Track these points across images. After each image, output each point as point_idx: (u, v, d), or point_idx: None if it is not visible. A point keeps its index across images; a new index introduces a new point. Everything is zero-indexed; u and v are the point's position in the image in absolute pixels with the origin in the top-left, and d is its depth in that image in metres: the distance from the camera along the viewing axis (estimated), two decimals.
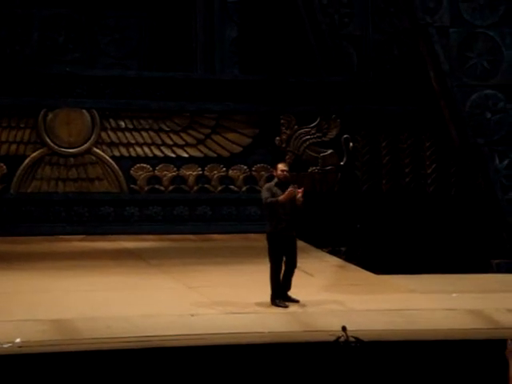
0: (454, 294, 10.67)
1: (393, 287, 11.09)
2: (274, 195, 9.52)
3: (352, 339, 8.11)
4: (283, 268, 9.57)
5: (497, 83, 13.63)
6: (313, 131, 14.92)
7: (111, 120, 14.65)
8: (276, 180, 9.67)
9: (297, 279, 9.64)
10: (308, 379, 8.21)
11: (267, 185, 9.82)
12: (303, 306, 9.60)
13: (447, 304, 10.11)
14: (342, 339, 8.11)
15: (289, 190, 9.45)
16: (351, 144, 14.92)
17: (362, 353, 8.10)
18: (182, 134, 14.86)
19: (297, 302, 9.52)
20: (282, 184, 9.59)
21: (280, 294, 9.56)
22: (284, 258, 9.58)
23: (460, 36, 13.61)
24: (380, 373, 8.25)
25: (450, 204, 14.88)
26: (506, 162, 13.54)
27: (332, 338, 8.17)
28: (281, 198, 9.48)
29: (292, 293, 9.66)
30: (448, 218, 14.69)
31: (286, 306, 9.50)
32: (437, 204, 14.91)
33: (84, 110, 14.54)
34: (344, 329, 8.20)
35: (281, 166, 9.71)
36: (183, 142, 14.87)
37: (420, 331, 8.92)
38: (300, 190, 9.47)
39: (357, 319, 9.10)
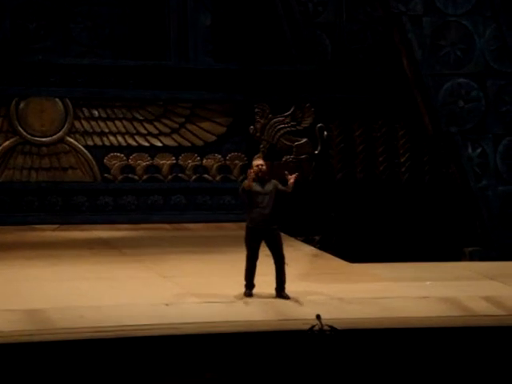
0: (428, 282, 10.72)
1: (367, 275, 11.13)
2: (251, 191, 9.50)
3: (326, 328, 8.12)
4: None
5: (470, 72, 13.67)
6: (287, 120, 14.91)
7: (84, 109, 14.57)
8: (254, 176, 9.64)
9: (271, 267, 9.64)
10: (283, 368, 8.23)
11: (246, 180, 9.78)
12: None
13: (421, 292, 10.15)
14: (317, 328, 8.12)
15: (248, 172, 9.48)
16: (325, 133, 14.93)
17: (337, 341, 8.12)
18: (156, 123, 14.81)
19: (288, 298, 9.51)
20: (261, 179, 9.57)
21: (276, 289, 9.56)
22: (269, 253, 9.60)
23: (433, 25, 13.63)
24: (355, 361, 8.27)
25: (424, 192, 14.93)
26: (478, 150, 13.60)
27: (306, 327, 8.18)
28: (245, 182, 9.50)
29: (266, 281, 9.66)
30: (421, 207, 14.75)
31: (250, 295, 9.51)
32: (410, 192, 14.96)
33: (57, 99, 14.45)
34: (318, 317, 8.21)
35: (256, 162, 9.69)
36: (157, 131, 14.82)
37: (394, 319, 8.95)
38: (292, 176, 9.48)
39: (331, 308, 9.12)
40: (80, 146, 14.59)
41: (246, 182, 9.55)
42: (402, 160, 15.15)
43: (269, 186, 9.57)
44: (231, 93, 14.81)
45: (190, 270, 11.16)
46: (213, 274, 10.96)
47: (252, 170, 9.57)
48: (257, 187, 9.53)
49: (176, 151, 14.88)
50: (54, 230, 13.94)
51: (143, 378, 7.98)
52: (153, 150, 14.82)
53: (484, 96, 13.66)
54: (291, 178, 9.54)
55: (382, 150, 15.16)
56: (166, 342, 8.09)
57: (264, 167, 9.63)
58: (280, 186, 9.65)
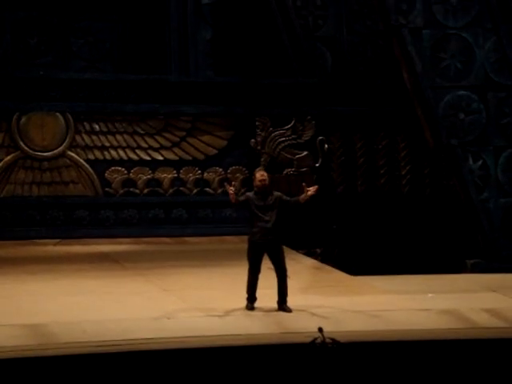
0: (430, 295, 10.71)
1: (369, 288, 11.12)
2: (251, 204, 9.47)
3: (329, 340, 8.12)
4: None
5: (470, 84, 13.69)
6: (288, 133, 14.93)
7: (85, 123, 14.60)
8: (255, 189, 9.59)
9: (273, 280, 9.64)
10: (285, 381, 8.21)
11: (247, 194, 9.75)
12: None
13: (423, 304, 10.14)
14: (319, 340, 8.11)
15: (228, 187, 9.42)
16: (326, 146, 14.95)
17: (339, 354, 8.11)
18: (157, 137, 14.83)
19: (290, 311, 9.49)
20: (262, 192, 9.53)
21: (278, 302, 9.53)
22: (272, 266, 9.58)
23: (433, 37, 13.66)
24: (357, 374, 8.26)
25: (425, 205, 14.94)
26: (479, 162, 13.61)
27: (308, 340, 8.17)
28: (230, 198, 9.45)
29: (268, 294, 9.66)
30: (423, 219, 14.74)
31: (251, 308, 9.50)
32: (412, 205, 14.96)
33: (58, 114, 14.48)
34: (320, 330, 8.20)
35: (258, 176, 9.59)
36: (158, 145, 14.85)
37: (396, 332, 8.94)
38: (312, 189, 9.42)
39: (333, 320, 9.11)
40: (81, 160, 14.61)
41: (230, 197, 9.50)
42: (403, 172, 15.16)
43: (271, 199, 9.54)
44: (232, 106, 14.84)
45: (192, 284, 11.16)
46: (214, 287, 10.96)
47: (227, 184, 9.55)
48: (259, 201, 9.50)
49: (177, 165, 14.89)
50: (55, 244, 13.94)
51: None
52: (154, 164, 14.84)
53: (484, 108, 13.68)
54: (310, 190, 9.47)
55: (383, 162, 15.18)
56: (168, 355, 8.08)
57: (267, 180, 9.58)
58: (285, 197, 9.61)
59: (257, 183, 9.56)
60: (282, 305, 9.54)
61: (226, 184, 9.75)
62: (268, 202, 9.49)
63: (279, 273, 9.55)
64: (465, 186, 13.46)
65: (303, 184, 9.64)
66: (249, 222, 9.65)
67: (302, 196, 9.51)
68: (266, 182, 9.54)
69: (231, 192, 9.37)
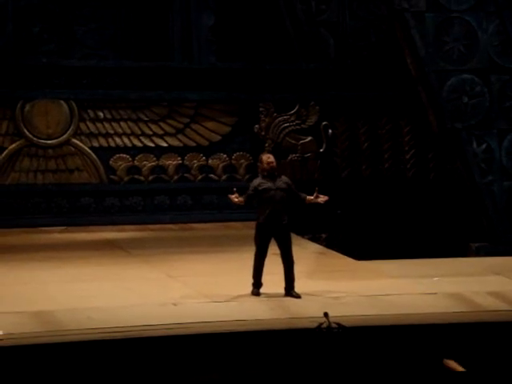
0: (435, 278, 10.73)
1: (374, 273, 11.14)
2: (258, 190, 9.49)
3: (334, 325, 8.14)
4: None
5: (473, 67, 13.67)
6: (292, 118, 14.93)
7: (89, 110, 14.60)
8: (264, 173, 9.55)
9: (278, 266, 9.67)
10: (291, 366, 8.24)
11: (254, 180, 9.74)
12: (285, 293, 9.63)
13: (428, 288, 10.16)
14: (324, 325, 8.14)
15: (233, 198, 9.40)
16: (330, 131, 14.94)
17: (345, 338, 8.14)
18: (161, 124, 14.83)
19: (299, 297, 9.50)
20: (270, 176, 9.53)
21: (286, 288, 9.55)
22: (278, 252, 9.60)
23: (436, 21, 13.64)
24: (362, 358, 8.28)
25: (429, 188, 14.94)
26: (483, 146, 13.60)
27: (314, 325, 8.20)
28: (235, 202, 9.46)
29: (273, 280, 9.68)
30: (427, 203, 14.75)
31: (257, 294, 9.52)
32: (416, 189, 14.97)
33: (62, 101, 14.48)
34: (326, 315, 8.22)
35: (266, 159, 9.57)
36: (162, 132, 14.85)
37: (401, 316, 8.96)
38: (323, 198, 9.54)
39: (338, 305, 9.13)
40: (86, 147, 14.62)
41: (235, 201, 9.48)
42: (408, 157, 15.15)
43: (279, 182, 9.53)
44: (235, 92, 14.83)
45: (198, 270, 11.18)
46: (220, 273, 10.98)
47: (231, 196, 9.47)
48: (267, 184, 9.50)
49: (181, 151, 14.90)
50: (60, 231, 13.98)
51: (151, 377, 8.01)
52: (158, 151, 14.84)
53: (488, 91, 13.66)
54: (320, 198, 9.53)
55: (387, 146, 15.17)
56: (174, 341, 8.11)
57: (274, 162, 9.59)
58: (294, 188, 9.62)
59: (264, 166, 9.55)
60: (290, 291, 9.54)
61: (229, 197, 9.59)
62: (276, 184, 9.50)
63: (286, 257, 9.55)
64: (469, 170, 13.47)
65: (316, 188, 9.65)
66: (257, 206, 9.63)
67: (310, 198, 9.58)
68: (274, 165, 9.55)
69: (236, 200, 9.41)
